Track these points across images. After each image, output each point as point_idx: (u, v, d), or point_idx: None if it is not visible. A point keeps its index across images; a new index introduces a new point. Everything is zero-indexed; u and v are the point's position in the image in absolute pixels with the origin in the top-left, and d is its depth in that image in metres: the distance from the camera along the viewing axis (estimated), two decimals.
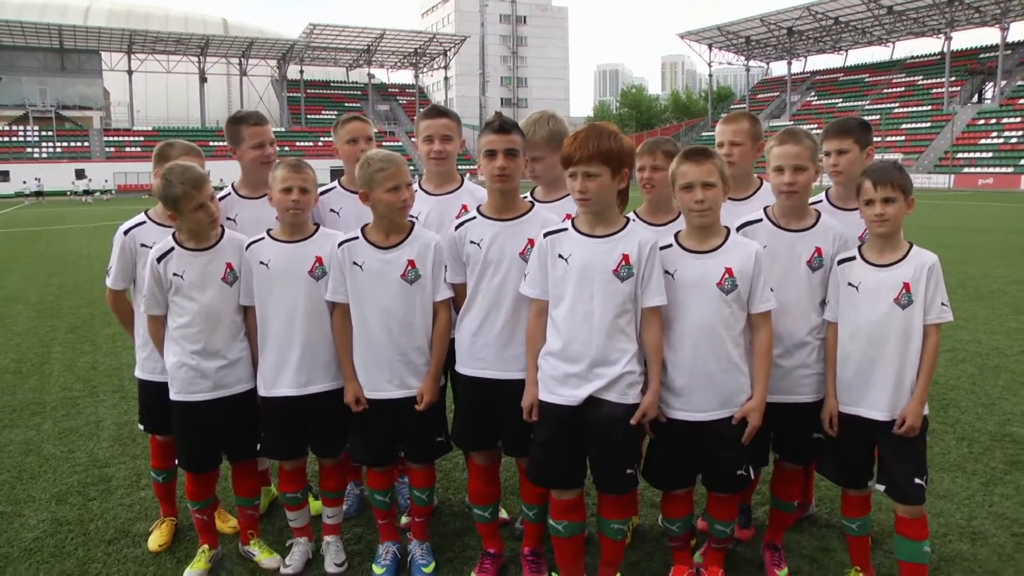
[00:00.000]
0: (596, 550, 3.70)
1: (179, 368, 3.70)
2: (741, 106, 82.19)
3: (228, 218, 4.12)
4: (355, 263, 3.64)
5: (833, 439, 3.54)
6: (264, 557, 3.97)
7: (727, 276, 3.31)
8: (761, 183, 4.09)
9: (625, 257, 3.26)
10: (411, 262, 3.62)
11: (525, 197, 3.86)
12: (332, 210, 4.23)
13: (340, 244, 3.68)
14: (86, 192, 57.62)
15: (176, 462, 4.02)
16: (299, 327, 3.70)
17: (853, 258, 3.45)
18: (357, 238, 3.67)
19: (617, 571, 3.60)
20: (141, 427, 4.26)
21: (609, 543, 3.52)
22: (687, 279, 3.35)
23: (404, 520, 4.31)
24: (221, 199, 4.18)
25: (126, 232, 3.99)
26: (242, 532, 4.08)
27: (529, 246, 3.48)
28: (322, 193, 4.29)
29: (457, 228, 3.64)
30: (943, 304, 3.30)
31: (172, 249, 3.68)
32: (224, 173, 4.13)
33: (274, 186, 3.70)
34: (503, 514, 4.27)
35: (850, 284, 3.42)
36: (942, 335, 3.39)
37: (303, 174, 3.69)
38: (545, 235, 3.38)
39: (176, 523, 4.28)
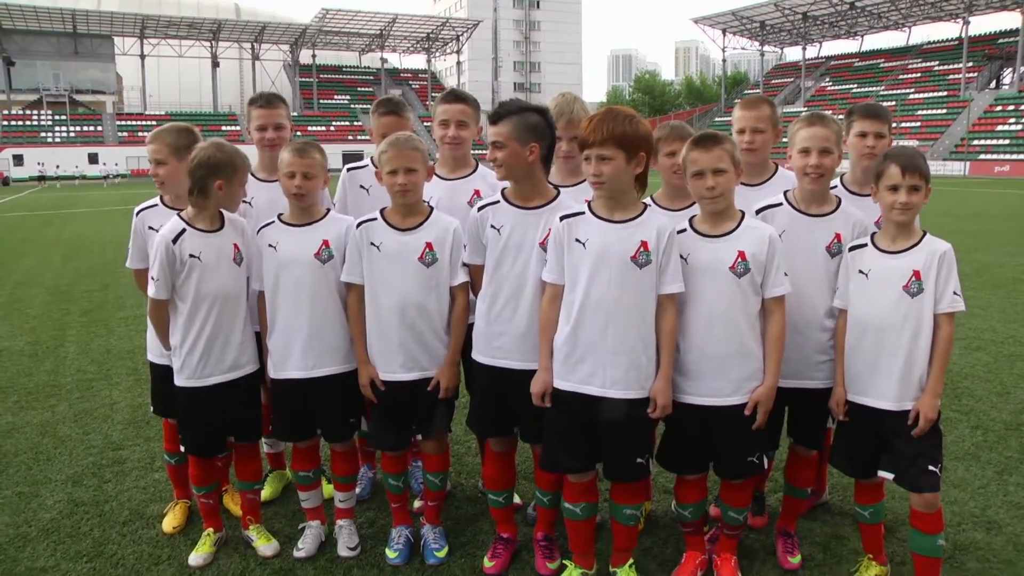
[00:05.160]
0: (608, 536, 3.70)
1: (193, 352, 3.69)
2: (755, 91, 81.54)
3: (244, 201, 4.13)
4: (372, 244, 3.63)
5: (843, 429, 3.52)
6: (261, 543, 3.96)
7: (740, 260, 3.28)
8: (776, 168, 4.05)
9: (644, 244, 3.23)
10: (429, 244, 3.61)
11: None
12: (362, 186, 4.25)
13: (358, 225, 3.68)
14: (105, 176, 59.26)
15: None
16: (305, 310, 3.70)
17: (864, 245, 3.41)
18: (376, 219, 3.67)
19: (630, 556, 3.60)
20: (152, 410, 4.29)
21: (622, 528, 3.52)
22: (700, 263, 3.33)
23: (417, 504, 4.33)
24: None
25: (137, 213, 4.02)
26: (243, 517, 4.09)
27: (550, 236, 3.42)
28: (356, 168, 4.33)
29: (480, 210, 3.60)
30: (955, 293, 3.22)
31: (184, 230, 3.65)
32: None
33: (281, 169, 3.71)
34: (516, 499, 4.28)
35: (860, 271, 3.38)
36: (957, 324, 3.34)
37: (308, 159, 3.67)
38: (561, 219, 3.33)
39: (189, 505, 4.30)
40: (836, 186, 3.88)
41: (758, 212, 3.53)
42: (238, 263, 3.75)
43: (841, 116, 3.92)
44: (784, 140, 3.73)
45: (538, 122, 3.47)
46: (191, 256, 3.62)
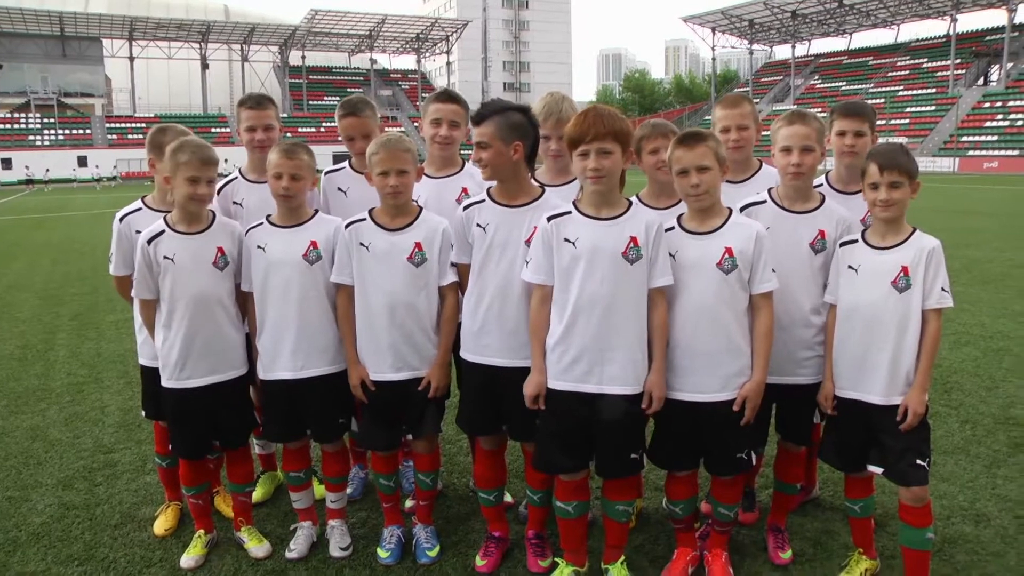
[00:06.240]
0: (600, 533, 3.71)
1: (170, 354, 3.69)
2: (744, 90, 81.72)
3: (235, 202, 4.13)
4: (362, 244, 3.64)
5: (832, 424, 3.54)
6: (252, 545, 3.95)
7: (727, 256, 3.30)
8: (760, 165, 4.06)
9: (633, 239, 3.25)
10: (418, 244, 3.62)
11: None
12: (340, 189, 4.24)
13: (347, 225, 3.68)
14: (96, 179, 59.42)
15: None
16: (294, 311, 3.70)
17: (855, 241, 3.43)
18: (364, 219, 3.68)
19: (622, 553, 3.61)
20: (143, 413, 4.28)
21: (614, 525, 3.54)
22: (687, 260, 3.35)
23: (409, 504, 4.33)
24: (228, 183, 4.20)
25: (121, 219, 4.00)
26: (234, 518, 4.08)
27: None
28: (333, 171, 4.31)
29: (465, 209, 3.61)
30: (943, 290, 3.24)
31: (163, 232, 3.65)
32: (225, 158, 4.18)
33: (268, 170, 3.71)
34: (507, 498, 4.28)
35: (850, 267, 3.41)
36: (946, 319, 3.36)
37: (295, 160, 3.66)
38: (549, 219, 3.34)
39: (181, 508, 4.30)
40: (821, 184, 3.91)
41: (742, 209, 3.55)
42: (219, 266, 3.72)
43: (826, 114, 3.94)
44: (766, 134, 3.73)
45: (521, 121, 3.50)
46: (165, 258, 3.63)
